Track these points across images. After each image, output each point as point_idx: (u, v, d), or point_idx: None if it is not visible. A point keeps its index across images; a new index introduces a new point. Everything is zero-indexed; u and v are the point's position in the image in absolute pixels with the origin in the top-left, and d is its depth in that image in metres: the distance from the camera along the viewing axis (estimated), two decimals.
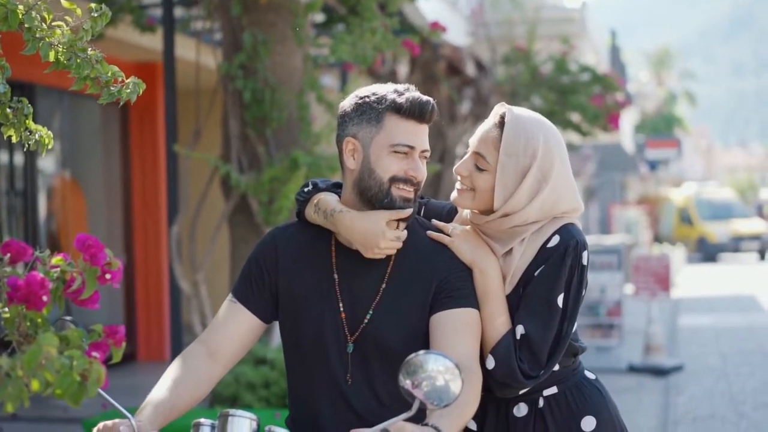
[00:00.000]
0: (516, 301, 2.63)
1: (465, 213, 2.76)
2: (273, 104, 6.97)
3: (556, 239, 2.64)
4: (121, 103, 2.52)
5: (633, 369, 11.01)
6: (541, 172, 2.63)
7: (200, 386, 2.61)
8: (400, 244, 2.61)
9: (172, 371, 2.60)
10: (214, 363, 2.64)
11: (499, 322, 2.58)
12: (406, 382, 2.15)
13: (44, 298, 2.01)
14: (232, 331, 2.68)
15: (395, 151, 2.59)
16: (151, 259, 10.97)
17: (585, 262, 2.64)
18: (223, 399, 6.73)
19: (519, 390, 2.60)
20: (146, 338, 11.02)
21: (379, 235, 2.58)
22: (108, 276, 2.12)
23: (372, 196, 2.62)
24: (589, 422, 2.69)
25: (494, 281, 2.60)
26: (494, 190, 2.63)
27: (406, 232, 2.63)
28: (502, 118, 2.68)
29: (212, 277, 8.02)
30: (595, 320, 11.56)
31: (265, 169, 6.98)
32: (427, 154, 2.64)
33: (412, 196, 2.62)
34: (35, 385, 1.75)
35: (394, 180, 2.60)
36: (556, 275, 2.60)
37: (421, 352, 2.15)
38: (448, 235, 2.68)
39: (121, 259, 11.21)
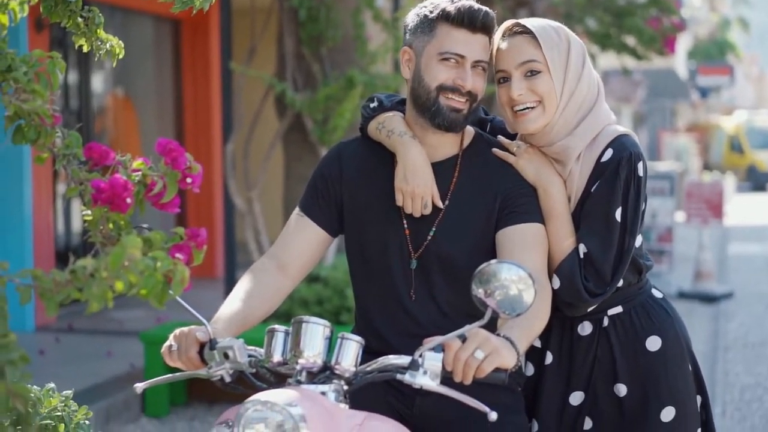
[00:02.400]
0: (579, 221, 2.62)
1: (515, 126, 2.73)
2: (328, 22, 6.94)
3: (609, 153, 2.59)
4: (194, 12, 2.51)
5: (683, 295, 10.98)
6: (578, 50, 2.63)
7: (271, 299, 2.64)
8: (418, 214, 2.61)
9: (243, 285, 2.63)
10: (283, 276, 2.67)
11: (565, 242, 2.57)
12: (478, 291, 2.15)
13: (128, 200, 2.04)
14: (301, 244, 2.70)
15: (444, 59, 2.56)
16: (203, 176, 11.02)
17: (641, 173, 2.59)
18: (277, 315, 6.81)
19: (585, 309, 2.60)
20: None
21: (419, 186, 2.58)
22: (189, 180, 2.14)
23: (422, 104, 2.60)
24: (654, 342, 2.68)
25: (559, 201, 2.58)
26: (555, 92, 2.59)
27: (429, 208, 2.62)
28: (510, 30, 2.64)
29: (266, 195, 8.07)
30: (646, 246, 11.49)
31: (320, 87, 6.97)
32: (484, 66, 2.59)
33: (462, 107, 2.58)
34: (119, 285, 1.78)
35: (441, 89, 2.57)
36: (611, 189, 2.56)
37: (494, 261, 2.14)
38: (512, 152, 2.67)
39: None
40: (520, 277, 2.13)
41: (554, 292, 2.56)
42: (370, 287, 2.70)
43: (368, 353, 2.56)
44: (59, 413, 2.87)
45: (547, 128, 2.62)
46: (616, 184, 2.56)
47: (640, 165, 2.59)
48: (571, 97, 2.61)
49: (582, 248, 2.56)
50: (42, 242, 8.39)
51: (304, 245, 2.70)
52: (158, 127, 11.01)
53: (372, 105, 2.77)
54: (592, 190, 2.59)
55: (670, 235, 11.51)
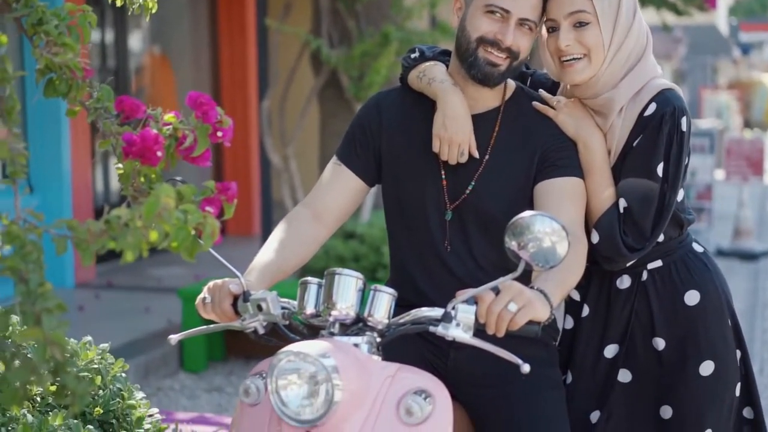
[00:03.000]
0: (620, 174, 2.60)
1: (568, 86, 2.71)
2: None
3: (653, 107, 2.56)
4: None
5: (721, 253, 10.90)
6: (629, 4, 2.59)
7: (306, 248, 2.63)
8: (454, 161, 2.59)
9: (277, 234, 2.63)
10: (319, 225, 2.66)
11: (604, 196, 2.55)
12: (512, 243, 2.13)
13: (159, 153, 2.04)
14: (337, 193, 2.69)
15: (489, 12, 2.52)
16: (239, 134, 11.04)
17: (684, 128, 2.56)
18: (313, 271, 6.85)
19: (624, 263, 2.58)
20: (236, 213, 11.06)
21: (457, 134, 2.56)
22: (219, 134, 2.14)
23: (462, 54, 2.58)
24: (692, 296, 2.65)
25: (598, 155, 2.56)
26: (603, 44, 2.56)
27: (466, 156, 2.60)
28: None
29: (302, 151, 8.07)
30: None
31: (356, 44, 6.95)
32: (530, 26, 2.54)
33: (500, 62, 2.54)
34: (153, 235, 1.78)
35: (481, 41, 2.54)
36: (654, 144, 2.54)
37: (528, 213, 2.12)
38: (552, 107, 2.64)
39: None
40: (553, 229, 2.11)
41: (593, 246, 2.54)
42: (407, 239, 2.69)
43: (403, 306, 2.56)
44: (96, 366, 2.91)
45: (593, 80, 2.59)
46: (659, 138, 2.53)
47: (684, 120, 2.57)
48: (618, 50, 2.57)
49: (622, 203, 2.54)
50: (81, 199, 8.45)
51: (340, 194, 2.69)
52: (195, 84, 11.02)
53: (413, 55, 2.75)
54: (634, 144, 2.56)
55: (710, 192, 11.39)
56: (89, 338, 3.08)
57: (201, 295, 2.41)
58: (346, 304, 2.22)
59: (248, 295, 2.32)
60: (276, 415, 2.12)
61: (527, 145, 2.61)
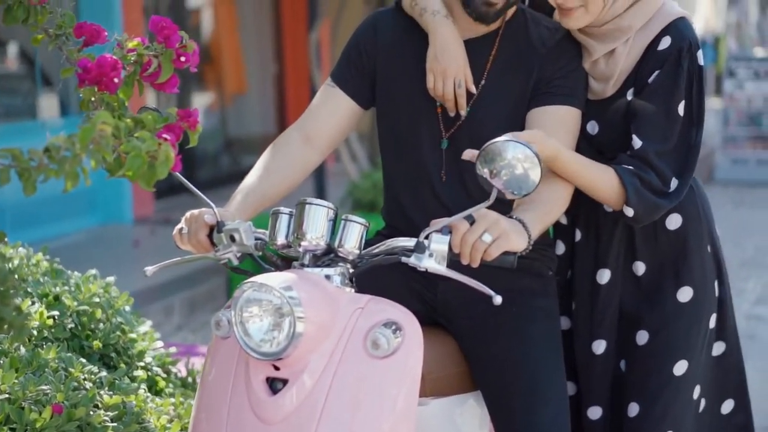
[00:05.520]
0: (622, 106, 2.47)
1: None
2: None
3: (667, 41, 2.44)
4: None
5: None
6: None
7: (294, 173, 2.55)
8: (451, 98, 2.47)
9: (264, 158, 2.54)
10: (309, 148, 2.58)
11: (606, 176, 2.40)
12: (484, 171, 2.05)
13: (116, 80, 1.99)
14: (329, 115, 2.60)
15: None
16: (300, 67, 10.98)
17: (701, 62, 2.46)
18: (362, 205, 6.82)
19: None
20: None
21: (450, 65, 2.45)
22: (183, 59, 2.08)
23: None
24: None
25: (573, 158, 2.39)
26: None
27: (463, 88, 2.47)
28: None
29: None
30: (757, 131, 11.10)
31: None
32: None
33: (496, 1, 2.42)
34: (93, 163, 1.75)
35: None
36: (673, 82, 2.42)
37: (500, 138, 2.04)
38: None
39: (272, 68, 11.14)
40: (526, 155, 2.03)
41: (634, 218, 2.42)
42: (401, 167, 2.61)
43: (393, 237, 2.50)
44: (98, 299, 2.90)
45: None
46: (679, 76, 2.42)
47: (700, 53, 2.46)
48: None
49: (636, 142, 2.42)
50: None
51: (332, 116, 2.60)
52: (256, 19, 10.98)
53: None
54: (650, 81, 2.44)
55: None
56: (94, 271, 3.08)
57: (178, 226, 2.37)
58: (315, 234, 2.16)
59: (222, 226, 2.27)
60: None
61: (524, 70, 2.50)
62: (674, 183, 2.44)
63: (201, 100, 10.35)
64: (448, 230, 2.12)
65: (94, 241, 7.56)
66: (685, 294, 2.55)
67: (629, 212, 2.42)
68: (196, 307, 6.08)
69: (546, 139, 2.31)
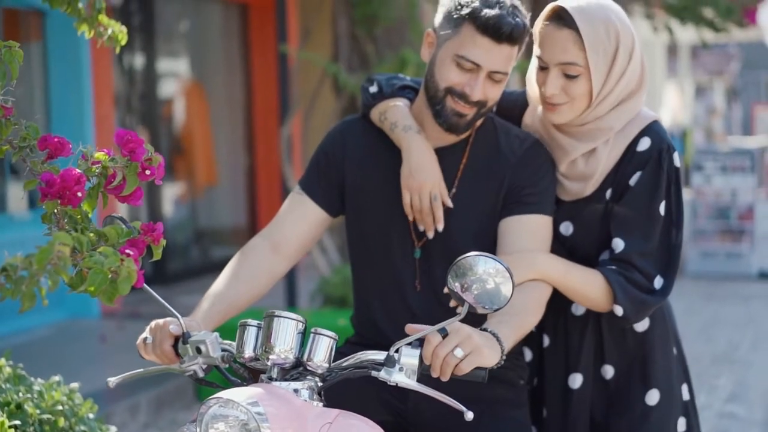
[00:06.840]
0: (600, 207, 2.49)
1: (538, 109, 2.59)
2: (381, 2, 6.83)
3: (646, 142, 2.48)
4: None
5: (764, 275, 10.65)
6: (626, 51, 2.46)
7: (261, 281, 2.52)
8: (429, 216, 2.48)
9: (232, 266, 2.52)
10: (277, 256, 2.56)
11: (590, 278, 2.43)
12: (455, 285, 2.04)
13: (79, 194, 1.96)
14: (298, 222, 2.58)
15: (459, 63, 2.42)
16: (272, 160, 11.01)
17: (678, 163, 2.51)
18: (333, 300, 6.76)
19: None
20: None
21: (426, 180, 2.46)
22: (148, 172, 2.06)
23: (430, 98, 2.49)
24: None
25: (555, 266, 2.43)
26: (591, 92, 2.44)
27: (439, 202, 2.48)
28: (556, 14, 2.46)
29: None
30: (725, 225, 11.18)
31: (374, 68, 6.88)
32: (500, 77, 2.43)
33: (467, 112, 2.44)
34: (51, 283, 1.71)
35: (450, 91, 2.43)
36: (655, 183, 2.46)
37: (471, 253, 2.03)
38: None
39: (243, 161, 11.06)
40: (497, 270, 2.02)
41: (622, 318, 2.44)
42: (372, 274, 2.59)
43: (363, 345, 2.46)
44: (61, 408, 2.83)
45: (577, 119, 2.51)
46: (660, 177, 2.47)
47: (676, 155, 2.51)
48: (608, 95, 2.48)
49: (619, 244, 2.45)
50: None
51: (301, 224, 2.59)
52: (228, 111, 11.02)
53: (371, 89, 2.65)
54: (632, 183, 2.47)
55: (751, 213, 11.15)
56: (58, 378, 3.02)
57: (143, 335, 2.32)
58: (284, 347, 2.12)
59: (188, 337, 2.23)
60: None
61: (494, 177, 2.51)
62: (659, 281, 2.46)
63: (172, 191, 10.32)
64: (418, 343, 2.09)
65: (61, 335, 7.44)
66: (652, 397, 2.55)
67: (618, 311, 2.43)
68: (164, 404, 5.97)
69: (533, 264, 2.38)
